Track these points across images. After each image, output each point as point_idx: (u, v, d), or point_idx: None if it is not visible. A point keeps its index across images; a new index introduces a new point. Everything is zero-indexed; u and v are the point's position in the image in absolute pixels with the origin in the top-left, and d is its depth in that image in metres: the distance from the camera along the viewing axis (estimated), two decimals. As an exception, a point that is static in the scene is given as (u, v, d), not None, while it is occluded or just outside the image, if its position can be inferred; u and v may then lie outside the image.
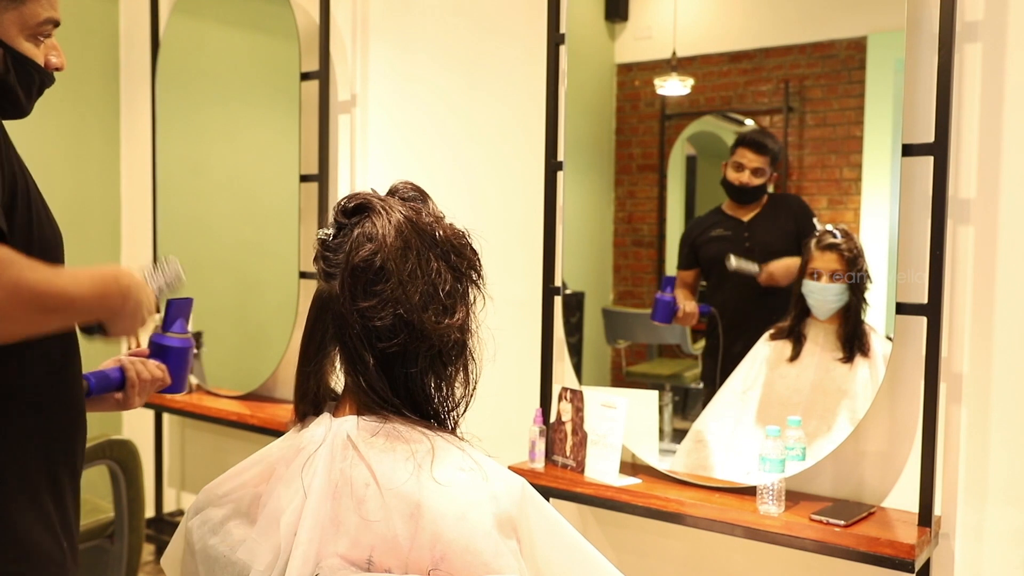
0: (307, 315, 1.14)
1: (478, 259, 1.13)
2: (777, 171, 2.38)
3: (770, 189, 2.40)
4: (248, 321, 3.39)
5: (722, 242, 2.45)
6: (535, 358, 2.55)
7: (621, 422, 2.27)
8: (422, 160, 2.90)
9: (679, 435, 2.48)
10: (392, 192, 1.13)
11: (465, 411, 1.15)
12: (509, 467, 1.89)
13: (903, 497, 2.10)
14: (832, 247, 2.21)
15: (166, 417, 3.60)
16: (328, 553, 1.01)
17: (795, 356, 2.29)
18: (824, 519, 1.97)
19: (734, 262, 2.37)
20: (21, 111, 1.27)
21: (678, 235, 2.58)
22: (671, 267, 2.55)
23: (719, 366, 2.46)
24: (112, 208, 3.77)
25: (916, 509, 2.01)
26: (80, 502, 1.31)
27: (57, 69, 1.28)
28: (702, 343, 2.56)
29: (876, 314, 2.17)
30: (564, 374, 2.58)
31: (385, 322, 1.05)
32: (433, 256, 1.07)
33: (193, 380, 3.27)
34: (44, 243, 1.20)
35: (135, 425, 3.73)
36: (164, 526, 3.50)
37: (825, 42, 2.28)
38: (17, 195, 1.16)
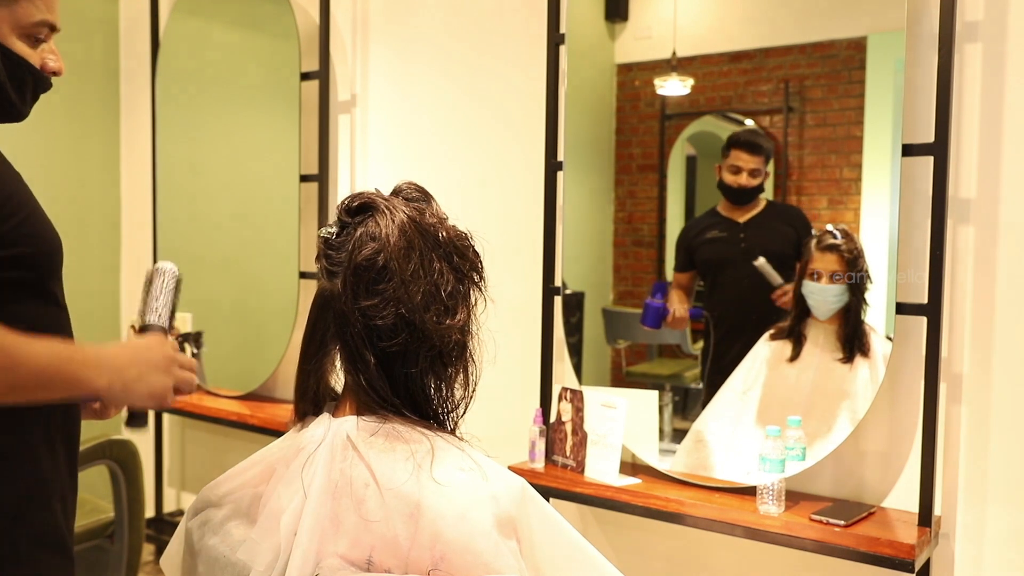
0: (308, 313, 1.15)
1: (480, 261, 1.13)
2: (767, 170, 2.38)
3: (768, 188, 2.40)
4: (248, 321, 3.39)
5: (718, 244, 2.45)
6: (535, 358, 2.55)
7: (621, 422, 2.27)
8: (422, 160, 2.90)
9: (679, 435, 2.48)
10: (396, 192, 1.13)
11: (464, 412, 1.15)
12: (509, 467, 1.90)
13: (903, 497, 2.10)
14: (832, 247, 2.21)
15: (166, 417, 3.60)
16: (328, 553, 1.01)
17: (795, 356, 2.29)
18: (824, 519, 1.97)
19: (762, 261, 2.36)
20: (15, 113, 1.25)
21: (678, 235, 2.58)
22: (671, 268, 2.55)
23: (711, 367, 2.47)
24: (112, 208, 3.77)
25: (916, 509, 2.01)
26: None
27: (55, 74, 1.26)
28: (702, 343, 2.57)
29: (876, 314, 2.17)
30: (564, 374, 2.58)
31: (387, 321, 1.05)
32: (436, 257, 1.08)
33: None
34: (43, 246, 1.19)
35: (135, 425, 3.72)
36: (164, 526, 3.50)
37: (825, 42, 2.28)
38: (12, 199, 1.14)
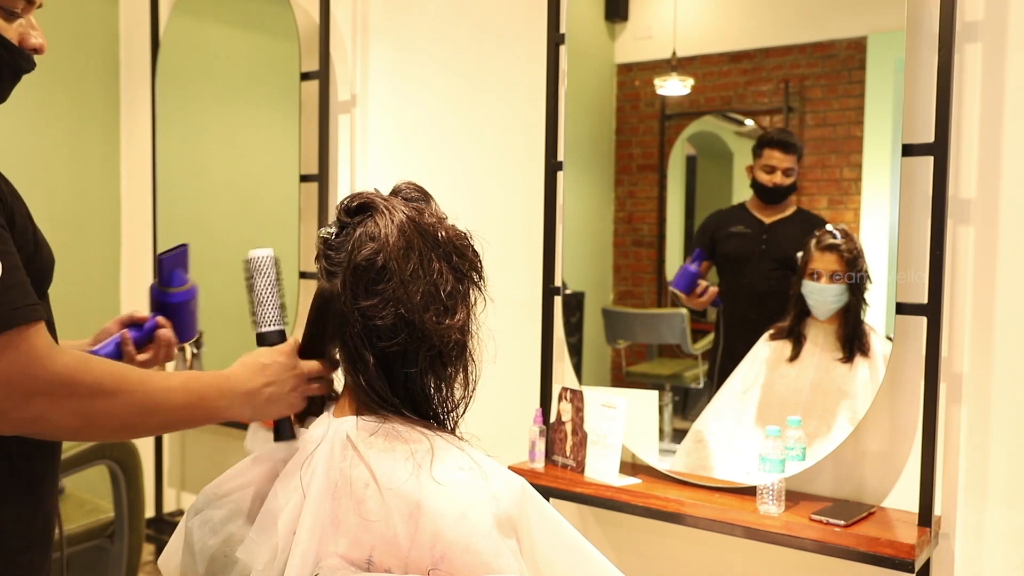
0: (308, 313, 1.15)
1: (479, 261, 1.13)
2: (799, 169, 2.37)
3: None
4: (248, 321, 3.38)
5: (740, 240, 2.44)
6: (535, 358, 2.55)
7: (621, 422, 2.27)
8: (422, 160, 2.90)
9: (679, 435, 2.48)
10: (395, 192, 1.14)
11: (464, 412, 1.15)
12: (509, 467, 1.89)
13: (903, 497, 2.10)
14: (832, 247, 2.21)
15: (166, 417, 3.60)
16: (328, 553, 1.01)
17: (795, 356, 2.29)
18: (824, 519, 1.97)
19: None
20: None
21: (678, 235, 2.57)
22: (671, 267, 2.55)
23: (720, 365, 2.46)
24: (112, 208, 3.77)
25: (916, 509, 2.00)
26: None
27: (35, 51, 1.15)
28: (702, 343, 2.56)
29: (876, 314, 2.17)
30: (564, 374, 2.58)
31: (386, 321, 1.05)
32: (435, 257, 1.08)
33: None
34: (40, 263, 1.16)
35: (135, 425, 3.72)
36: (164, 526, 3.50)
37: (825, 42, 2.28)
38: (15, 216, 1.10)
